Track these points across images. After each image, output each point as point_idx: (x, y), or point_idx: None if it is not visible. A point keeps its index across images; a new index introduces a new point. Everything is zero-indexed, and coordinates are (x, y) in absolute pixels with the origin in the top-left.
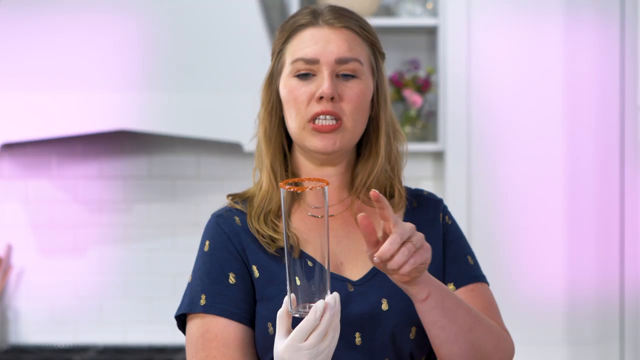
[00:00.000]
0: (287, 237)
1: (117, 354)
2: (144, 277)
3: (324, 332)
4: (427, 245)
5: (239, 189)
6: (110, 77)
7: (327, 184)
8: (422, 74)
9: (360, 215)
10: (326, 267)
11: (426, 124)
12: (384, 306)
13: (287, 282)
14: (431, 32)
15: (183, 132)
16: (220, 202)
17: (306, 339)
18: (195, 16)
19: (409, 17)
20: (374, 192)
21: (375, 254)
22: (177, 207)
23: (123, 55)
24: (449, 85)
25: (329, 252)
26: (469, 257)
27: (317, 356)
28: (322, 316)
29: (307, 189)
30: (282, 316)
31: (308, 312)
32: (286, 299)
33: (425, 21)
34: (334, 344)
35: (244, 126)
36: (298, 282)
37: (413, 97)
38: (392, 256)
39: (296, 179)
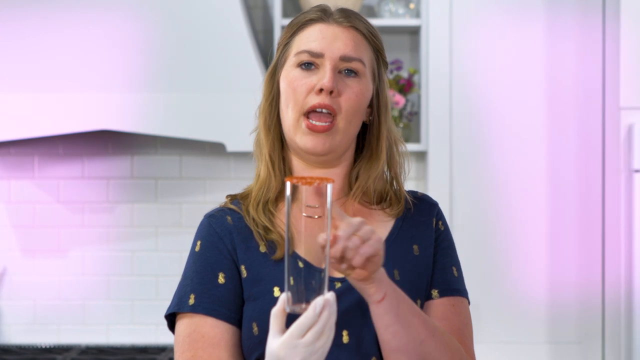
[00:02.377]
0: (288, 232)
1: (99, 354)
2: (126, 278)
3: (321, 330)
4: (378, 237)
5: (221, 189)
6: (93, 77)
7: (333, 181)
8: (404, 74)
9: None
10: (324, 267)
11: (408, 125)
12: None
13: (285, 280)
14: (414, 33)
15: (166, 132)
16: (202, 202)
17: (303, 335)
18: (178, 17)
19: (391, 18)
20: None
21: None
22: (160, 207)
23: (105, 56)
24: (431, 86)
25: (328, 252)
26: (454, 269)
27: (313, 354)
28: (320, 313)
29: (315, 184)
30: (276, 314)
31: (305, 310)
32: (282, 296)
33: (408, 22)
34: (328, 344)
35: (227, 126)
36: (292, 282)
37: (395, 98)
38: (341, 255)
39: (301, 176)
